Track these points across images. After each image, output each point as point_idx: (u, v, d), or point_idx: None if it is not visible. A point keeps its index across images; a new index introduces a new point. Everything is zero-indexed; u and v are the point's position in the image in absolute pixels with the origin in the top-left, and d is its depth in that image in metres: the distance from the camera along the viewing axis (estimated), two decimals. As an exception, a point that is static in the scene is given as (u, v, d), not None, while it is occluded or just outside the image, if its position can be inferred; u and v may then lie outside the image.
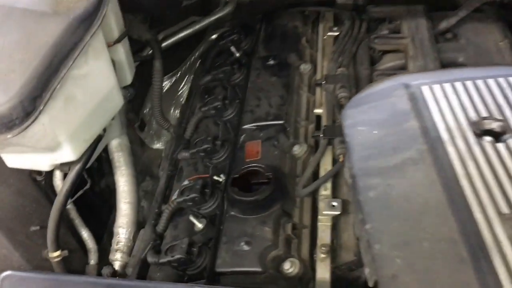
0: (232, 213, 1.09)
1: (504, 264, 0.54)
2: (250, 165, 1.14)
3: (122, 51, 1.23)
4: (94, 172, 1.41)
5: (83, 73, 1.06)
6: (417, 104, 0.74)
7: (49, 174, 1.29)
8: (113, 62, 1.19)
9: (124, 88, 1.41)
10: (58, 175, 1.29)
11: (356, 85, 1.31)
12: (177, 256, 1.04)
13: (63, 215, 1.24)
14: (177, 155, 1.35)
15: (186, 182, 1.23)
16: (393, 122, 0.76)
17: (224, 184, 1.16)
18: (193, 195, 1.14)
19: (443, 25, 1.44)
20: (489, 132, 0.70)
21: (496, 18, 1.41)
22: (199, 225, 1.13)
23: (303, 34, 1.53)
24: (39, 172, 1.27)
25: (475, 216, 0.59)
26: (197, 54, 1.84)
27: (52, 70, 0.97)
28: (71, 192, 1.20)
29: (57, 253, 1.23)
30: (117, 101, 1.21)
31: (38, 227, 1.26)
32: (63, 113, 1.03)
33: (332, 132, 1.17)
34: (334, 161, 1.16)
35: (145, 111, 1.84)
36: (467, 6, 1.37)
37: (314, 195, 1.12)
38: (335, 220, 1.05)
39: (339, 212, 1.03)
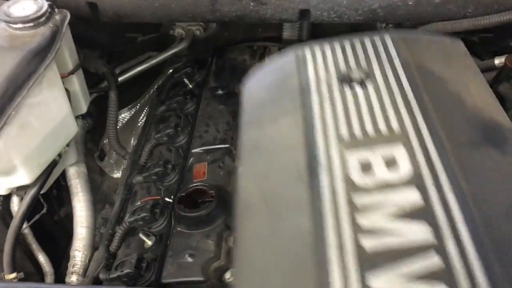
0: (178, 228, 1.17)
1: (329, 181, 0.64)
2: (196, 184, 1.22)
3: (76, 82, 1.32)
4: (52, 199, 1.48)
5: (37, 101, 1.15)
6: (299, 65, 0.85)
7: (7, 200, 1.35)
8: (68, 92, 1.28)
9: (83, 119, 1.50)
10: (15, 200, 1.35)
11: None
12: (126, 271, 1.11)
13: (19, 239, 1.30)
14: (131, 180, 1.43)
15: (138, 203, 1.30)
16: (279, 83, 0.87)
17: (172, 203, 1.24)
18: (143, 214, 1.22)
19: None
20: (352, 80, 0.80)
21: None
22: (148, 242, 1.20)
23: (250, 67, 1.65)
24: (-4, 196, 1.33)
25: (318, 144, 0.69)
26: (155, 87, 1.95)
27: (7, 99, 1.05)
28: (26, 215, 1.27)
29: (13, 275, 1.28)
30: (72, 128, 1.30)
31: (-5, 252, 1.31)
32: (18, 138, 1.11)
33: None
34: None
35: (104, 141, 1.92)
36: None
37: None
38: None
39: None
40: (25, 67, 1.09)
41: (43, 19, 1.15)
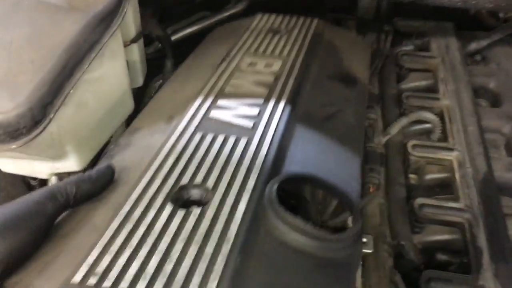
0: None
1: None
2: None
3: (137, 52, 1.12)
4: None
5: (97, 76, 0.95)
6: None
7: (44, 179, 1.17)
8: (127, 63, 1.07)
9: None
10: (54, 180, 1.17)
11: (383, 105, 1.24)
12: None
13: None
14: None
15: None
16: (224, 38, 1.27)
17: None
18: None
19: (473, 46, 1.37)
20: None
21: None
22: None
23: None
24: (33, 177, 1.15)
25: (231, 53, 1.09)
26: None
27: (66, 74, 0.85)
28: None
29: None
30: (129, 106, 1.10)
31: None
32: (73, 120, 0.92)
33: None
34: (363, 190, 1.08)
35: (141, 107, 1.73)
36: (502, 30, 1.30)
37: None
38: (365, 259, 0.97)
39: (371, 251, 0.95)
40: (89, 35, 0.88)
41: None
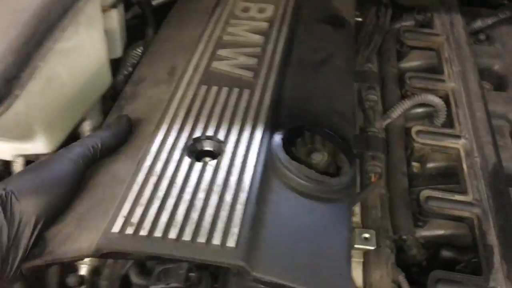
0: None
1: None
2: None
3: (117, 18, 0.99)
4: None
5: (71, 46, 0.83)
6: None
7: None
8: (105, 32, 0.95)
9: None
10: (20, 161, 1.05)
11: (382, 85, 1.14)
12: (173, 285, 0.85)
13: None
14: None
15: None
16: None
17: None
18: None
19: (477, 24, 1.29)
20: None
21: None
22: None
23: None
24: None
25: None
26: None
27: (35, 43, 0.73)
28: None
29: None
30: (106, 79, 0.99)
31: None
32: (43, 96, 0.80)
33: (361, 144, 0.99)
34: (362, 179, 1.00)
35: (119, 79, 1.60)
36: (510, 8, 1.22)
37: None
38: (366, 256, 0.89)
39: (373, 247, 0.88)
40: (61, -1, 0.76)
41: None
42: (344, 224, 0.75)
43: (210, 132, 0.77)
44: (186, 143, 0.75)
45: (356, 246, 0.88)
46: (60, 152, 0.72)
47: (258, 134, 0.77)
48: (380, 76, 1.14)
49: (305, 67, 0.96)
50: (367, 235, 0.89)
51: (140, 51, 1.55)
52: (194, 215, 0.65)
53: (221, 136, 0.76)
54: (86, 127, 1.17)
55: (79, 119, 0.95)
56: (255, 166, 0.72)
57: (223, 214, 0.66)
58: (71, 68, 0.85)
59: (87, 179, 0.74)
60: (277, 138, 0.77)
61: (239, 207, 0.67)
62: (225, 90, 0.83)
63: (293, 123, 0.82)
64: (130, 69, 1.58)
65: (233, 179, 0.70)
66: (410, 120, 1.13)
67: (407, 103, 1.07)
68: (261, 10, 1.06)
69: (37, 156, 0.96)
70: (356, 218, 0.93)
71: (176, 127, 0.77)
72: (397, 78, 1.17)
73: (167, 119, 0.78)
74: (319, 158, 0.83)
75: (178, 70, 0.88)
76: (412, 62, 1.23)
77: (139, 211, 0.66)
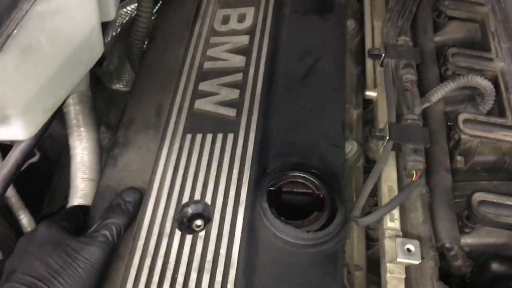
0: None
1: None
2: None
3: (110, -28, 0.80)
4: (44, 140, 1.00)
5: (54, 8, 0.64)
6: None
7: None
8: (95, -11, 0.76)
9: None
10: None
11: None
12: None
13: (-1, 200, 0.86)
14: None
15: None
16: None
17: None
18: None
19: (524, -7, 1.12)
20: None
21: None
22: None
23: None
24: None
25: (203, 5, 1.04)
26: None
27: (7, 6, 0.55)
28: (13, 177, 0.81)
29: (-13, 254, 0.86)
30: (97, 48, 0.81)
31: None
32: (18, 73, 0.63)
33: (401, 134, 0.84)
34: (399, 175, 0.85)
35: (105, 40, 1.41)
36: None
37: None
38: (407, 270, 0.76)
39: (418, 262, 0.74)
40: None
41: None
42: (336, 266, 0.72)
43: (197, 195, 0.77)
44: (175, 212, 0.76)
45: (398, 260, 0.75)
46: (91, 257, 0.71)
47: (244, 192, 0.76)
48: (419, 52, 0.97)
49: (290, 84, 0.89)
50: (411, 247, 0.75)
51: (131, 9, 1.37)
52: None
53: (208, 199, 0.76)
54: (70, 100, 1.00)
55: (65, 96, 0.77)
56: (242, 233, 0.72)
57: None
58: (55, 35, 0.67)
59: None
60: (262, 198, 0.74)
61: (229, 286, 0.68)
62: (209, 137, 0.83)
63: (280, 164, 0.79)
64: (119, 29, 1.41)
65: (223, 252, 0.71)
66: (448, 103, 0.98)
67: (450, 85, 0.91)
68: (241, 18, 0.99)
69: (12, 142, 0.79)
70: (395, 224, 0.79)
71: (165, 192, 0.78)
72: (435, 54, 1.01)
73: (155, 183, 0.79)
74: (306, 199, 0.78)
75: (164, 109, 0.88)
76: (449, 35, 1.07)
77: None
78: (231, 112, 0.85)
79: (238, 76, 0.89)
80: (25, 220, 0.98)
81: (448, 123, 0.93)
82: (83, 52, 0.75)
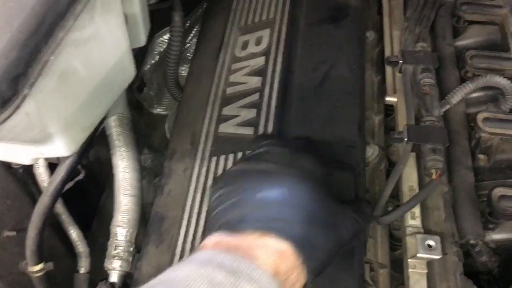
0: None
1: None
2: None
3: (137, 2, 0.88)
4: (89, 158, 1.09)
5: (86, 36, 0.72)
6: None
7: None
8: (126, 18, 0.84)
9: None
10: (41, 161, 0.97)
11: (438, 65, 1.01)
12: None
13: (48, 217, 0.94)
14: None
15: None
16: None
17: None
18: None
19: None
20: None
21: None
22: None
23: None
24: (16, 161, 0.94)
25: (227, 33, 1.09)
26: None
27: (44, 34, 0.63)
28: (60, 191, 0.89)
29: (39, 266, 0.93)
30: (129, 72, 0.88)
31: (14, 232, 0.96)
32: (56, 95, 0.70)
33: (419, 135, 0.87)
34: (420, 175, 0.87)
35: (145, 68, 1.50)
36: None
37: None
38: (430, 265, 0.78)
39: (438, 256, 0.76)
40: (72, -20, 0.65)
41: None
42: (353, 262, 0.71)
43: None
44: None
45: (419, 255, 0.77)
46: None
47: None
48: (436, 56, 1.00)
49: (305, 94, 0.92)
50: (431, 242, 0.78)
51: (167, 38, 1.46)
52: None
53: None
54: (112, 122, 1.09)
55: (102, 115, 0.85)
56: None
57: None
58: (88, 61, 0.75)
59: None
60: None
61: None
62: (231, 157, 0.87)
63: None
64: (157, 57, 1.51)
65: None
66: (471, 105, 1.00)
67: (469, 86, 0.94)
68: (258, 41, 1.03)
69: (58, 159, 0.88)
70: (416, 222, 0.82)
71: (194, 214, 0.84)
72: (454, 58, 1.03)
73: (187, 207, 0.85)
74: None
75: (197, 137, 0.94)
76: (470, 39, 1.09)
77: None
78: (248, 131, 0.89)
79: (255, 97, 0.93)
80: (74, 234, 1.07)
81: (471, 124, 0.95)
82: (115, 75, 0.83)
